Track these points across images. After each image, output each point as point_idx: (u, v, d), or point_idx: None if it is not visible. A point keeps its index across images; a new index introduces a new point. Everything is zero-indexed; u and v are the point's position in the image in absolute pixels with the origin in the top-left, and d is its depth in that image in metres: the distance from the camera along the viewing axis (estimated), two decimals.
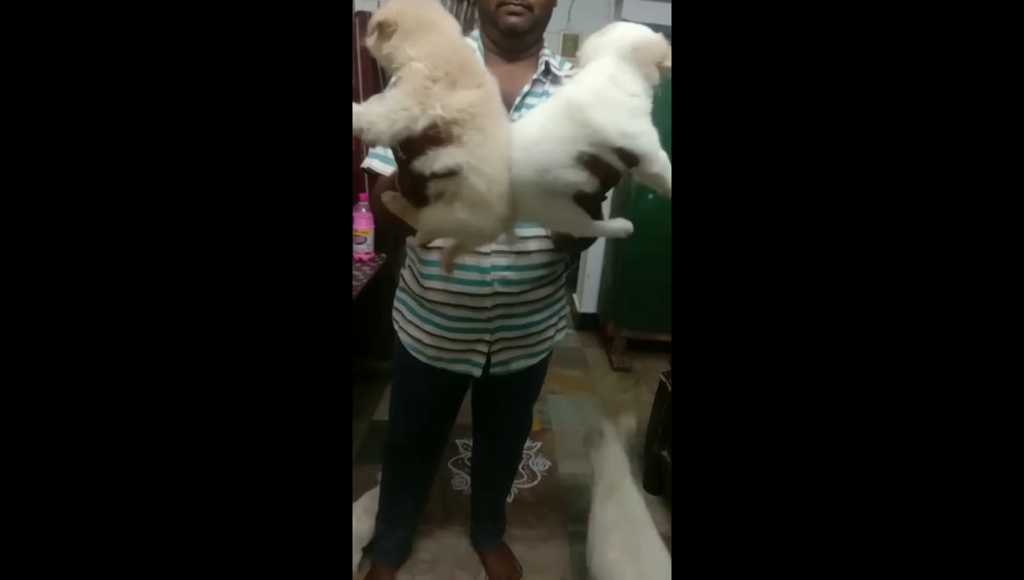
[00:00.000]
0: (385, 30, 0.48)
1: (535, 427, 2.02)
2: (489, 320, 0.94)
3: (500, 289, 0.90)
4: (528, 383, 1.14)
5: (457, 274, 0.86)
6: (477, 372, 0.99)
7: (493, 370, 1.00)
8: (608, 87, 0.50)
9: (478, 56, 0.84)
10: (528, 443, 1.94)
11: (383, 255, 1.99)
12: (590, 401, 2.29)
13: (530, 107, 0.83)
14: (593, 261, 2.89)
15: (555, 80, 0.87)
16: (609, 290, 2.66)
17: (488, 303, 0.92)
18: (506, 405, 1.19)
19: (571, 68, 0.87)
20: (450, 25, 0.51)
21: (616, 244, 2.54)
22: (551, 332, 1.05)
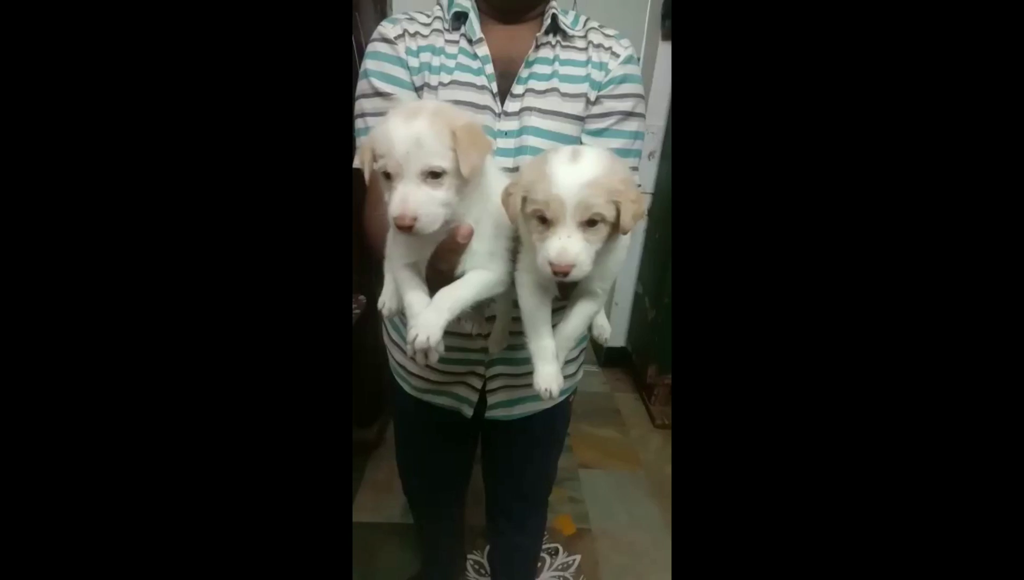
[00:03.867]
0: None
1: (569, 530, 1.51)
2: (484, 350, 0.78)
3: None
4: (541, 433, 0.93)
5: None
6: (467, 411, 0.83)
7: (492, 413, 0.84)
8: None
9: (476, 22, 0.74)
10: (564, 557, 1.42)
11: (362, 298, 1.47)
12: (634, 476, 1.77)
13: (540, 77, 0.71)
14: (624, 286, 2.38)
15: (566, 38, 0.73)
16: (648, 328, 2.14)
17: (484, 329, 0.76)
18: (517, 462, 0.95)
19: (587, 23, 0.75)
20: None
21: (660, 273, 2.03)
22: (569, 368, 0.86)
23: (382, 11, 1.72)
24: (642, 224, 2.27)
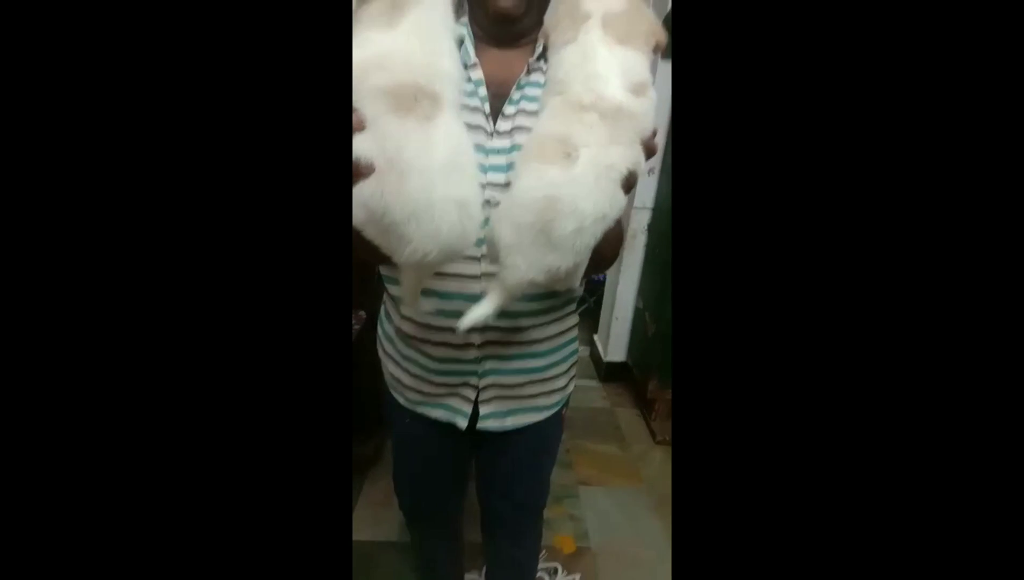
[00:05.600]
0: None
1: (569, 548, 1.49)
2: (477, 361, 0.80)
3: (492, 322, 0.75)
4: (534, 445, 0.93)
5: (439, 305, 0.74)
6: (462, 422, 0.83)
7: (484, 423, 0.83)
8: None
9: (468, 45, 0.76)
10: (564, 576, 1.40)
11: (361, 314, 1.47)
12: (635, 492, 1.75)
13: (531, 99, 0.74)
14: (624, 299, 2.38)
15: None
16: (650, 341, 2.13)
17: (476, 339, 0.77)
18: (509, 472, 0.95)
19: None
20: None
21: (661, 285, 2.03)
22: (560, 381, 0.88)
23: None
24: (642, 239, 2.28)
